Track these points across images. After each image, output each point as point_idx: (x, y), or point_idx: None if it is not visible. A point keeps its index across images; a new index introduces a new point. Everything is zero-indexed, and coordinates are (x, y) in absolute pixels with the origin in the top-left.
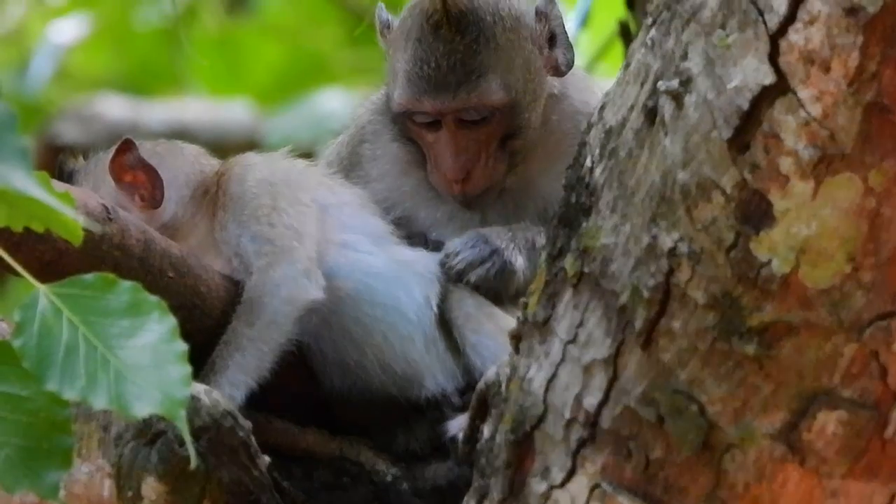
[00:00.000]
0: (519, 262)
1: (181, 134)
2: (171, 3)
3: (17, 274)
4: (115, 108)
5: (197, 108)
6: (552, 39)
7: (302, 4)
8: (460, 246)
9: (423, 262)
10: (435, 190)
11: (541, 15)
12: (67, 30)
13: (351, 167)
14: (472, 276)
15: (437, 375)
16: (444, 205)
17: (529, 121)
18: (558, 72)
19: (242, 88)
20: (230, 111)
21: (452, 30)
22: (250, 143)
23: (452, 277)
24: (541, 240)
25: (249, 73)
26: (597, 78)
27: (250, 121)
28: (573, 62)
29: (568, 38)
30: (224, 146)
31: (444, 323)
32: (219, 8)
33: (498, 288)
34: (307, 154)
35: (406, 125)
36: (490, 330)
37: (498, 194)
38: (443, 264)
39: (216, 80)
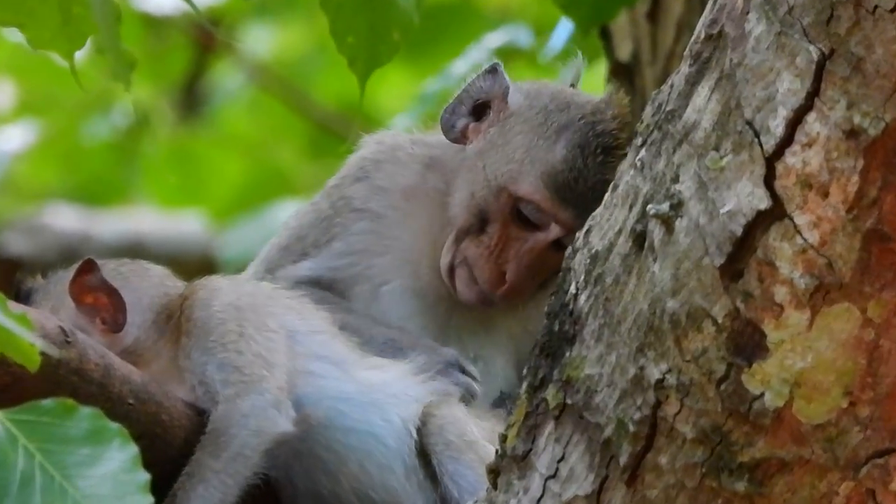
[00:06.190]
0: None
1: (134, 246)
2: (133, 113)
3: None
4: (64, 218)
5: (151, 220)
6: None
7: (262, 114)
8: None
9: (399, 383)
10: (429, 248)
11: None
12: (13, 138)
13: (335, 214)
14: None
15: None
16: (424, 272)
17: None
18: None
19: (198, 201)
20: (185, 224)
21: (615, 157)
22: (206, 257)
23: None
24: None
25: (206, 186)
26: None
27: (206, 234)
28: None
29: None
30: (179, 260)
31: (422, 448)
32: (170, 117)
33: None
34: None
35: (493, 203)
36: (470, 460)
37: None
38: None
39: (170, 193)
